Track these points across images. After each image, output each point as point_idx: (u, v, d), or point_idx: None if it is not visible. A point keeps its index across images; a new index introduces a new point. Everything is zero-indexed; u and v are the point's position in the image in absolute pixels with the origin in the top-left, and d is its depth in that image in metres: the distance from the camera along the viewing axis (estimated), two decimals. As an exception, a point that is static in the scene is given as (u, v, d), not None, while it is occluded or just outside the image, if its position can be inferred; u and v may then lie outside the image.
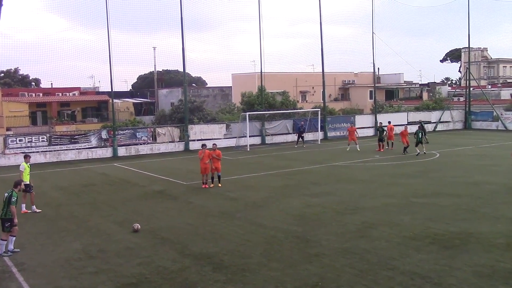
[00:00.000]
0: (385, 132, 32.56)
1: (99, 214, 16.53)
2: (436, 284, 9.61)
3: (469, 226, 13.68)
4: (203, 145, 21.14)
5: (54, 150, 32.55)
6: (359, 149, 32.54)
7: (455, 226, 13.64)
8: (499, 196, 17.40)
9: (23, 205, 16.98)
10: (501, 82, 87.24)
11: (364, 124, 45.82)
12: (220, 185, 20.63)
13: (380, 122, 36.12)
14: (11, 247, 12.39)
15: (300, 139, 37.22)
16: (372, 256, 11.35)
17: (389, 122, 33.92)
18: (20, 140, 31.98)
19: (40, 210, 17.12)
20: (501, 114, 48.90)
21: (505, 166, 24.16)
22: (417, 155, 28.82)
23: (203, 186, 20.68)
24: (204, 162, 20.45)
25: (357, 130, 34.64)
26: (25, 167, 17.19)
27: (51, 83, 66.47)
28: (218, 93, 69.00)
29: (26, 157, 18.11)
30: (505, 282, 9.67)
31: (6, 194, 12.39)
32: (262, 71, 40.83)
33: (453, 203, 16.48)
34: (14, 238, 12.47)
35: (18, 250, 12.54)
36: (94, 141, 34.22)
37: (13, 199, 12.26)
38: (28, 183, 17.02)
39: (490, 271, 10.26)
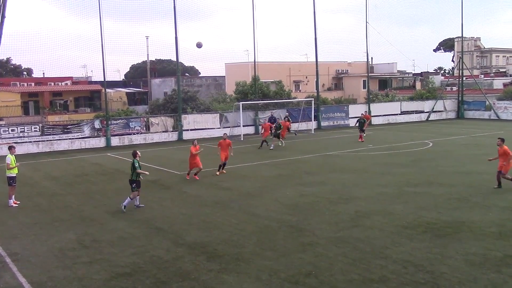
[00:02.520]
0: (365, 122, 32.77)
1: (93, 204, 16.50)
2: (428, 272, 9.70)
3: (461, 215, 13.80)
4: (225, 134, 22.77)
5: (47, 140, 32.40)
6: (259, 148, 29.89)
7: (447, 215, 13.75)
8: (491, 185, 17.51)
9: (13, 197, 16.76)
10: (493, 71, 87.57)
11: (357, 113, 45.82)
12: (197, 177, 20.29)
13: (361, 113, 36.01)
14: (136, 203, 15.70)
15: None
16: (365, 245, 11.43)
17: (366, 112, 35.94)
18: (12, 130, 31.79)
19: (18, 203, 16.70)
20: (494, 104, 49.14)
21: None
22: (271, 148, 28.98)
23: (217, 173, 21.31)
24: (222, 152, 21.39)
25: (271, 127, 31.91)
26: (11, 159, 16.59)
27: (43, 73, 66.02)
28: (211, 82, 68.78)
29: (11, 148, 17.19)
30: (496, 270, 9.77)
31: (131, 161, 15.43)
32: (256, 60, 40.74)
33: (445, 192, 16.59)
34: (138, 196, 15.60)
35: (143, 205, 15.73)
36: (87, 131, 34.08)
37: (136, 164, 15.29)
38: (15, 175, 16.63)
39: (481, 259, 10.36)
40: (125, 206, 15.28)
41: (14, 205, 16.49)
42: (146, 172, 16.09)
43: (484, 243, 11.32)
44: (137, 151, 15.96)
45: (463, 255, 10.61)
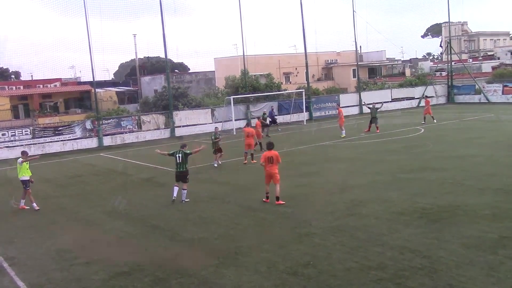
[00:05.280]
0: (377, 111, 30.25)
1: (88, 205, 16.43)
2: (425, 257, 9.75)
3: (455, 199, 13.87)
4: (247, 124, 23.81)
5: (39, 143, 32.17)
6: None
7: (442, 200, 13.81)
8: (484, 168, 17.62)
9: (22, 201, 16.56)
10: (481, 55, 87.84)
11: (348, 103, 45.89)
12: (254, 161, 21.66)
13: (373, 103, 34.84)
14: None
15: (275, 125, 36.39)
16: (362, 233, 11.47)
17: (426, 97, 34.27)
18: (3, 134, 31.54)
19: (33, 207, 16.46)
20: (483, 87, 49.33)
21: (489, 139, 24.49)
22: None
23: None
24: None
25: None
26: (23, 164, 16.42)
27: (31, 75, 65.43)
28: (201, 78, 68.51)
29: (24, 153, 17.06)
30: (492, 252, 9.83)
31: (179, 155, 15.53)
32: (245, 54, 40.68)
33: (439, 177, 16.66)
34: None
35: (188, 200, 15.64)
36: (78, 132, 33.89)
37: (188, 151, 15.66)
38: (27, 178, 16.42)
39: (477, 242, 10.43)
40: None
41: (25, 207, 16.37)
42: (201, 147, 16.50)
43: (479, 226, 11.40)
44: (186, 144, 16.33)
45: (459, 238, 10.67)
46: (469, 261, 9.45)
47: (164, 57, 39.19)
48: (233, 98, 37.54)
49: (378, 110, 30.38)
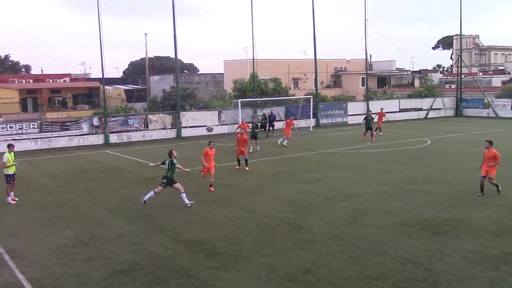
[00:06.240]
0: (374, 119, 32.03)
1: (91, 201, 16.49)
2: (426, 270, 9.72)
3: (459, 212, 13.81)
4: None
5: (46, 137, 32.33)
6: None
7: (445, 213, 13.76)
8: (488, 184, 17.48)
9: (12, 194, 16.70)
10: (492, 69, 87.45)
11: (356, 111, 45.76)
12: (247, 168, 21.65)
13: (369, 111, 35.98)
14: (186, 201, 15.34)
15: (271, 128, 35.96)
16: (363, 243, 11.44)
17: (382, 109, 35.39)
18: (10, 127, 31.71)
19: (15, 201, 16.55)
20: (492, 101, 49.16)
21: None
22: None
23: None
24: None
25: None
26: (8, 157, 16.34)
27: (42, 70, 65.80)
28: (210, 79, 68.69)
29: (10, 146, 16.90)
30: (494, 267, 9.79)
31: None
32: (254, 57, 40.73)
33: (443, 190, 16.61)
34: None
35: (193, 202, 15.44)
36: (85, 128, 34.02)
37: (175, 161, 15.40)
38: (12, 173, 16.44)
39: (479, 256, 10.39)
40: (145, 201, 15.22)
41: (13, 202, 16.46)
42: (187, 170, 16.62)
43: (482, 241, 11.35)
44: (173, 151, 15.79)
45: (461, 252, 10.63)
46: (470, 276, 9.42)
47: (174, 57, 39.30)
48: (241, 101, 37.54)
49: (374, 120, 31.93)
